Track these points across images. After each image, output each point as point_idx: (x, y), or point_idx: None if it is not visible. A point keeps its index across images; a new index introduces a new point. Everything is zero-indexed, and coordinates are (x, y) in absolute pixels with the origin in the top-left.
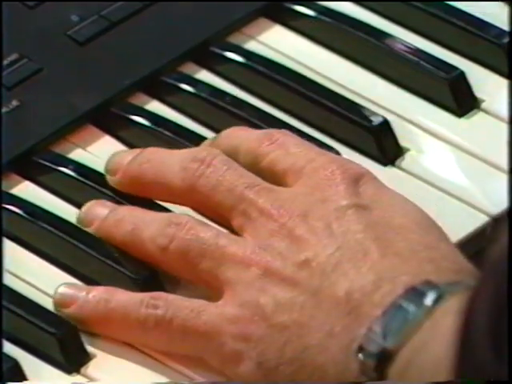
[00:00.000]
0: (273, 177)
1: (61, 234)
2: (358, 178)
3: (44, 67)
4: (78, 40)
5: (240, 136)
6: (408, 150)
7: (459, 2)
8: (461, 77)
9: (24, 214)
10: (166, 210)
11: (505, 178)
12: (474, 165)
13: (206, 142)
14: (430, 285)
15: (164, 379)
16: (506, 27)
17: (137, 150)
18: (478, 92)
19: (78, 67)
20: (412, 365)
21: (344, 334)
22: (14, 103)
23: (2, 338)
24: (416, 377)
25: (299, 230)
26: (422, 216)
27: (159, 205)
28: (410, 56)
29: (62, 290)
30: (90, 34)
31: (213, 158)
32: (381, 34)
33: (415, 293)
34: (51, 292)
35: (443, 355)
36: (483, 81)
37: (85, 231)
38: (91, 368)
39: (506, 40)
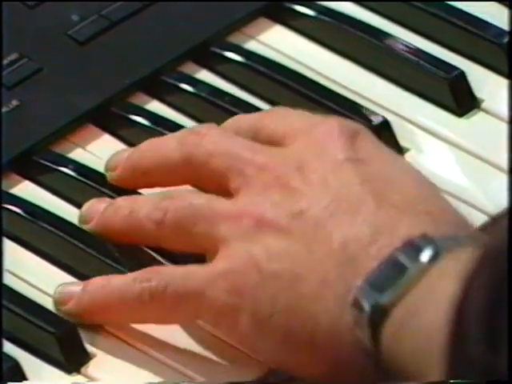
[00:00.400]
0: (272, 144)
1: (61, 234)
2: (355, 134)
3: (44, 67)
4: (78, 40)
5: (243, 118)
6: (408, 150)
7: (459, 2)
8: (461, 77)
9: (24, 214)
10: None
11: (505, 178)
12: (474, 165)
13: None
14: (427, 239)
15: (164, 379)
16: (506, 27)
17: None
18: (478, 92)
19: (78, 67)
20: (405, 327)
21: (338, 284)
22: (14, 103)
23: (1, 338)
24: (409, 340)
25: (294, 181)
26: (417, 172)
27: None
28: (410, 56)
29: (60, 289)
30: (90, 34)
31: (209, 129)
32: (381, 34)
33: (412, 247)
34: (51, 292)
35: (437, 323)
36: (483, 81)
37: (85, 231)
38: (91, 368)
39: (505, 40)
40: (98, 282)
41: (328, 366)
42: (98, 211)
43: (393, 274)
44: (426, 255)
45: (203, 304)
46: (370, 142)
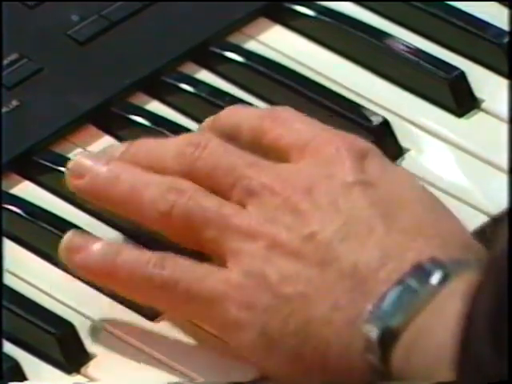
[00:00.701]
0: (276, 153)
1: (61, 234)
2: (363, 154)
3: (44, 67)
4: (78, 40)
5: (241, 114)
6: (408, 150)
7: (459, 2)
8: (461, 77)
9: (24, 214)
10: None
11: (505, 177)
12: (474, 165)
13: (206, 122)
14: (436, 262)
15: (164, 379)
16: (506, 27)
17: (124, 145)
18: (478, 92)
19: (78, 67)
20: (415, 348)
21: (349, 308)
22: (14, 103)
23: (1, 338)
24: (419, 360)
25: (303, 204)
26: (427, 193)
27: None
28: (410, 56)
29: (70, 236)
30: (90, 34)
31: (208, 141)
32: (381, 34)
33: (421, 271)
34: (51, 292)
35: (446, 342)
36: (483, 81)
37: (85, 231)
38: (91, 368)
39: (506, 40)
40: (110, 248)
41: None
42: (90, 170)
43: (402, 297)
44: (435, 278)
45: (212, 312)
46: (378, 162)
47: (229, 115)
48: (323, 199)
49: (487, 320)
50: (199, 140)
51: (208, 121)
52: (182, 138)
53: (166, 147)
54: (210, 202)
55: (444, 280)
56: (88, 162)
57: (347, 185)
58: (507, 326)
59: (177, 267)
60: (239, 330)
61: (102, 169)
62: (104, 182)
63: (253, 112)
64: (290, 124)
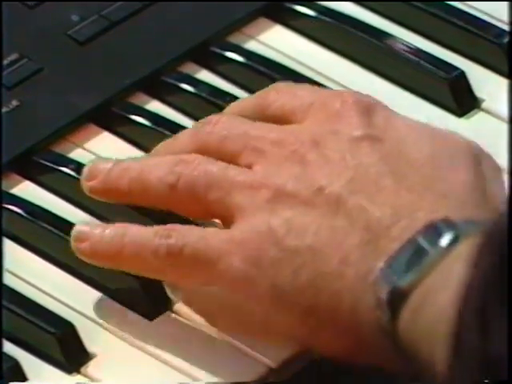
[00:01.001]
0: (281, 121)
1: (61, 234)
2: (370, 109)
3: (44, 67)
4: (78, 40)
5: (245, 98)
6: None
7: (459, 2)
8: (461, 77)
9: (24, 214)
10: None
11: (505, 177)
12: None
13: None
14: (448, 223)
15: (165, 379)
16: (506, 27)
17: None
18: (478, 92)
19: (78, 67)
20: (420, 310)
21: (361, 264)
22: (14, 103)
23: (1, 337)
24: (422, 322)
25: (311, 155)
26: (437, 147)
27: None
28: (410, 56)
29: (78, 226)
30: (90, 34)
31: (220, 117)
32: (381, 34)
33: (433, 231)
34: (51, 292)
35: (447, 306)
36: (483, 81)
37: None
38: (91, 368)
39: (506, 40)
40: (116, 229)
41: (349, 343)
42: (103, 170)
43: (413, 257)
44: (445, 240)
45: (220, 270)
46: (385, 116)
47: (232, 104)
48: (330, 153)
49: (475, 305)
50: (210, 118)
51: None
52: (197, 122)
53: (182, 135)
54: (214, 167)
55: (454, 242)
56: (100, 164)
57: (354, 139)
58: (494, 311)
59: (182, 234)
60: (248, 284)
61: (113, 166)
62: (115, 176)
63: (254, 95)
64: (294, 91)
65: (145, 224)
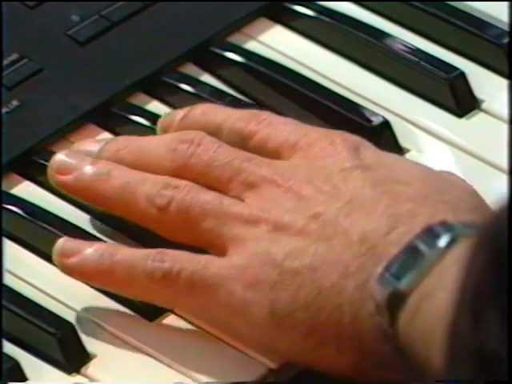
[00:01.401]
0: (264, 155)
1: (61, 234)
2: (356, 146)
3: (44, 67)
4: (78, 40)
5: (219, 114)
6: (408, 150)
7: (459, 2)
8: (461, 77)
9: (24, 214)
10: None
11: (505, 178)
12: (474, 165)
13: (166, 120)
14: (445, 225)
15: (164, 379)
16: (506, 27)
17: (102, 141)
18: (478, 92)
19: (78, 67)
20: (418, 312)
21: (359, 273)
22: (15, 103)
23: (1, 337)
24: (420, 324)
25: (306, 191)
26: (427, 168)
27: None
28: (410, 56)
29: (62, 240)
30: (90, 34)
31: (201, 138)
32: (381, 34)
33: (430, 234)
34: (51, 292)
35: (443, 307)
36: (483, 81)
37: (85, 231)
38: (91, 368)
39: (506, 40)
40: (105, 248)
41: (353, 357)
42: (76, 167)
43: (411, 260)
44: (443, 241)
45: (218, 298)
46: (373, 151)
47: (204, 113)
48: (325, 185)
49: (469, 297)
50: (192, 137)
51: (171, 119)
52: (171, 136)
53: (152, 145)
54: (208, 195)
55: (452, 243)
56: (73, 160)
57: (346, 170)
58: (487, 302)
59: (177, 259)
60: (248, 310)
61: (89, 166)
62: (93, 178)
63: (233, 113)
64: (276, 126)
65: (141, 229)
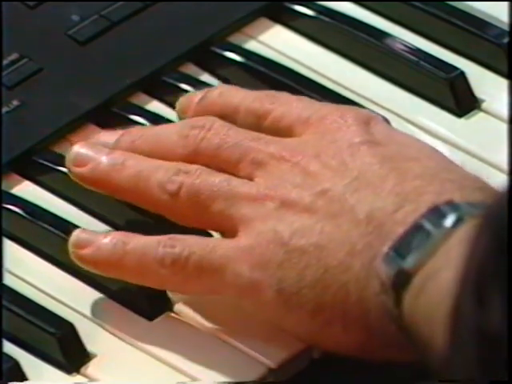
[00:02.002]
0: (278, 134)
1: (61, 234)
2: (368, 120)
3: (44, 67)
4: (78, 40)
5: (236, 95)
6: None
7: (459, 2)
8: (461, 77)
9: (24, 214)
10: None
11: (505, 178)
12: (474, 165)
13: (185, 102)
14: (451, 205)
15: (165, 379)
16: (506, 27)
17: (116, 133)
18: (478, 92)
19: (79, 67)
20: (423, 291)
21: (366, 252)
22: (15, 103)
23: (1, 338)
24: (424, 303)
25: (313, 166)
26: (434, 149)
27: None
28: (410, 56)
29: (77, 232)
30: (90, 34)
31: (212, 124)
32: (381, 34)
33: (437, 213)
34: (51, 292)
35: (448, 286)
36: (483, 81)
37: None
38: (91, 368)
39: (506, 40)
40: (118, 237)
41: (359, 336)
42: (92, 158)
43: (417, 239)
44: (449, 221)
45: (226, 279)
46: (384, 127)
47: (221, 95)
48: (332, 161)
49: (473, 277)
50: (203, 123)
51: (189, 101)
52: (182, 122)
53: (166, 133)
54: (216, 178)
55: (458, 223)
56: (89, 152)
57: (355, 145)
58: (490, 280)
59: (186, 243)
60: (255, 290)
61: (104, 157)
62: (108, 168)
63: (249, 94)
64: (291, 103)
65: (146, 225)
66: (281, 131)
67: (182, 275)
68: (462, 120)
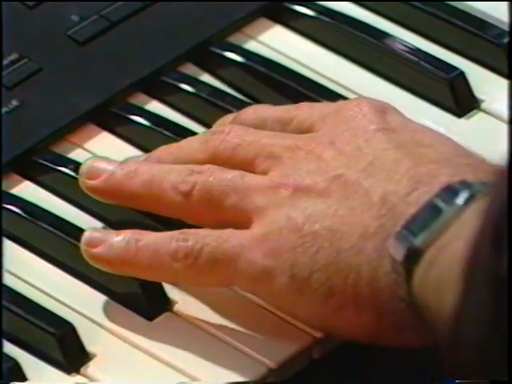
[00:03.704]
0: (301, 133)
1: (61, 234)
2: (384, 109)
3: (44, 67)
4: (78, 40)
5: (267, 110)
6: None
7: (459, 2)
8: (461, 77)
9: (24, 214)
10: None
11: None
12: None
13: (227, 117)
14: (464, 183)
15: (164, 379)
16: (506, 27)
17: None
18: (478, 92)
19: (78, 67)
20: (434, 264)
21: (378, 234)
22: (14, 103)
23: (2, 337)
24: (434, 275)
25: (327, 153)
26: (449, 138)
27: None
28: (410, 56)
29: (89, 231)
30: (89, 34)
31: (232, 127)
32: (381, 34)
33: (449, 191)
34: (51, 292)
35: (460, 253)
36: (483, 81)
37: (84, 231)
38: (91, 368)
39: (505, 40)
40: (130, 235)
41: (370, 319)
42: (105, 170)
43: (429, 217)
44: (461, 198)
45: (240, 268)
46: (399, 115)
47: (254, 112)
48: (347, 147)
49: (491, 223)
50: (223, 128)
51: (227, 118)
52: (204, 131)
53: (188, 142)
54: (229, 174)
55: (470, 200)
56: (102, 164)
57: (370, 132)
58: (506, 226)
59: (199, 236)
60: (269, 278)
61: (118, 167)
62: (121, 177)
63: (277, 107)
64: (313, 106)
65: (146, 224)
66: (303, 132)
67: (195, 268)
68: (462, 120)
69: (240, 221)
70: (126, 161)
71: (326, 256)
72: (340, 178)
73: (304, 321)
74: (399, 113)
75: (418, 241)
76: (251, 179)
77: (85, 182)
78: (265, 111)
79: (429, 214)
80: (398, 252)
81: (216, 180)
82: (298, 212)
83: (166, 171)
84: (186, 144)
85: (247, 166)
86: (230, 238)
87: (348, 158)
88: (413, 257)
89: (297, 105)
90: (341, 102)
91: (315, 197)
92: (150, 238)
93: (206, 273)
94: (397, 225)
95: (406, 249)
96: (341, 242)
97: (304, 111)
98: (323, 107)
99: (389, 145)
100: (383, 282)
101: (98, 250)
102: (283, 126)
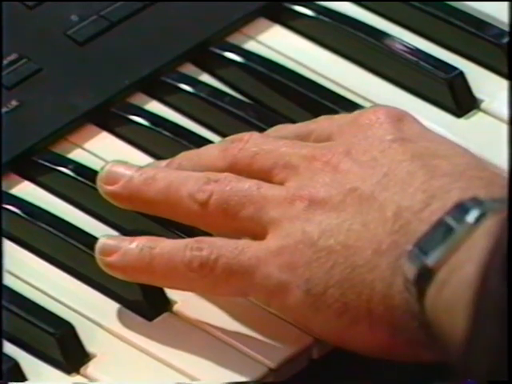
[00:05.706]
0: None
1: (61, 234)
2: (401, 118)
3: (44, 67)
4: (78, 40)
5: (288, 128)
6: None
7: (459, 2)
8: (460, 77)
9: (24, 214)
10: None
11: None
12: None
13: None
14: (475, 201)
15: (164, 379)
16: (505, 27)
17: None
18: (478, 92)
19: (78, 67)
20: (446, 285)
21: (392, 251)
22: (14, 103)
23: (2, 337)
24: (447, 297)
25: (344, 164)
26: (465, 148)
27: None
28: (410, 56)
29: (103, 239)
30: (89, 34)
31: (251, 135)
32: (380, 34)
33: (460, 209)
34: (51, 292)
35: (471, 276)
36: (483, 81)
37: (85, 231)
38: (91, 368)
39: (505, 40)
40: (144, 242)
41: (383, 335)
42: (123, 175)
43: (440, 236)
44: (472, 216)
45: (255, 281)
46: (416, 124)
47: (273, 131)
48: (363, 157)
49: (501, 253)
50: (242, 135)
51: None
52: (224, 139)
53: (208, 149)
54: (246, 184)
55: (481, 218)
56: (120, 169)
57: (386, 142)
58: None
59: (214, 246)
60: (284, 292)
61: (136, 172)
62: (139, 183)
63: (297, 124)
64: (329, 119)
65: (146, 225)
66: (321, 142)
67: (210, 278)
68: (462, 120)
69: (256, 231)
70: (146, 166)
71: (340, 271)
72: (355, 191)
73: (318, 335)
74: (416, 121)
75: (429, 260)
76: (267, 190)
77: (103, 187)
78: (285, 129)
79: (440, 233)
80: (409, 271)
81: (233, 190)
82: (313, 226)
83: (183, 179)
84: (205, 151)
85: (265, 175)
86: (246, 249)
87: (364, 169)
88: (425, 277)
89: (315, 119)
90: (358, 111)
91: (330, 210)
92: (164, 246)
93: (222, 283)
94: (409, 242)
95: (418, 268)
96: (355, 258)
97: (322, 124)
98: (341, 118)
99: (404, 156)
100: (396, 299)
101: (112, 259)
102: (302, 140)
